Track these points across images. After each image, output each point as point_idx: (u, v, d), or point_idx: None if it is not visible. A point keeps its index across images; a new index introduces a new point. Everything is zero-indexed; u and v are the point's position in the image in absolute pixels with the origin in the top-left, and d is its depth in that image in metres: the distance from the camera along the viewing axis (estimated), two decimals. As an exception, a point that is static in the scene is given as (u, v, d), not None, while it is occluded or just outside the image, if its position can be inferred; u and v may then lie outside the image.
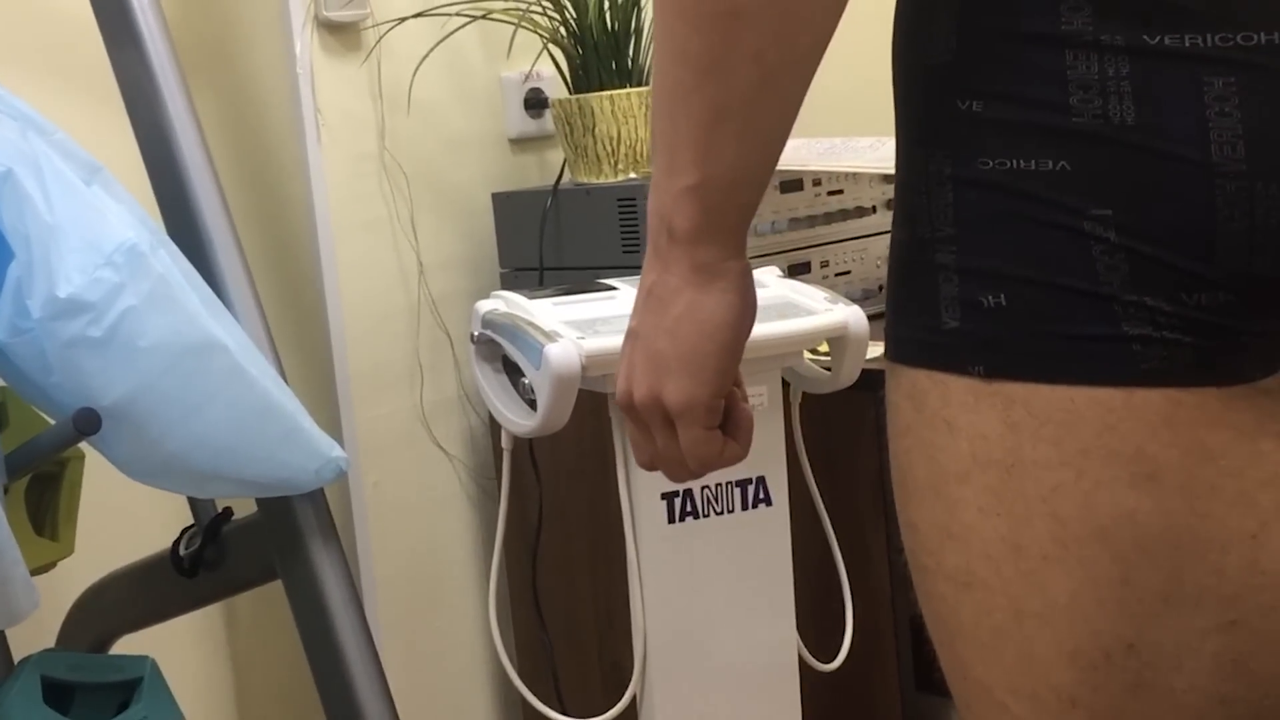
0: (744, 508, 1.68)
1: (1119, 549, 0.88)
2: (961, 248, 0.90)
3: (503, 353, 1.65)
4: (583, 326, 1.59)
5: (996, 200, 0.88)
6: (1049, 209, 0.86)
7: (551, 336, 1.56)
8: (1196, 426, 0.86)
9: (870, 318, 1.66)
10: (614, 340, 1.56)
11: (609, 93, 2.10)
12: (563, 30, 2.14)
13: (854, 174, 2.09)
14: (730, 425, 1.04)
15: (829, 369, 1.70)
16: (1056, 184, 0.86)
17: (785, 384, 1.73)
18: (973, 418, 0.90)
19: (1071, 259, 0.86)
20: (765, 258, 1.96)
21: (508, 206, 2.20)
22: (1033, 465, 0.88)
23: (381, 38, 2.15)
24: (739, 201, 0.95)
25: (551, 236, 2.11)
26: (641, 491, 1.63)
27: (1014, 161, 0.87)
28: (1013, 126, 0.87)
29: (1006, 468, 0.89)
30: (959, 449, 0.91)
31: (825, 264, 2.08)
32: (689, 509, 1.66)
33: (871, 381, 1.72)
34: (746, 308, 0.98)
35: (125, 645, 1.88)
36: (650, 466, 1.06)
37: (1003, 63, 0.87)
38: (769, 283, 1.72)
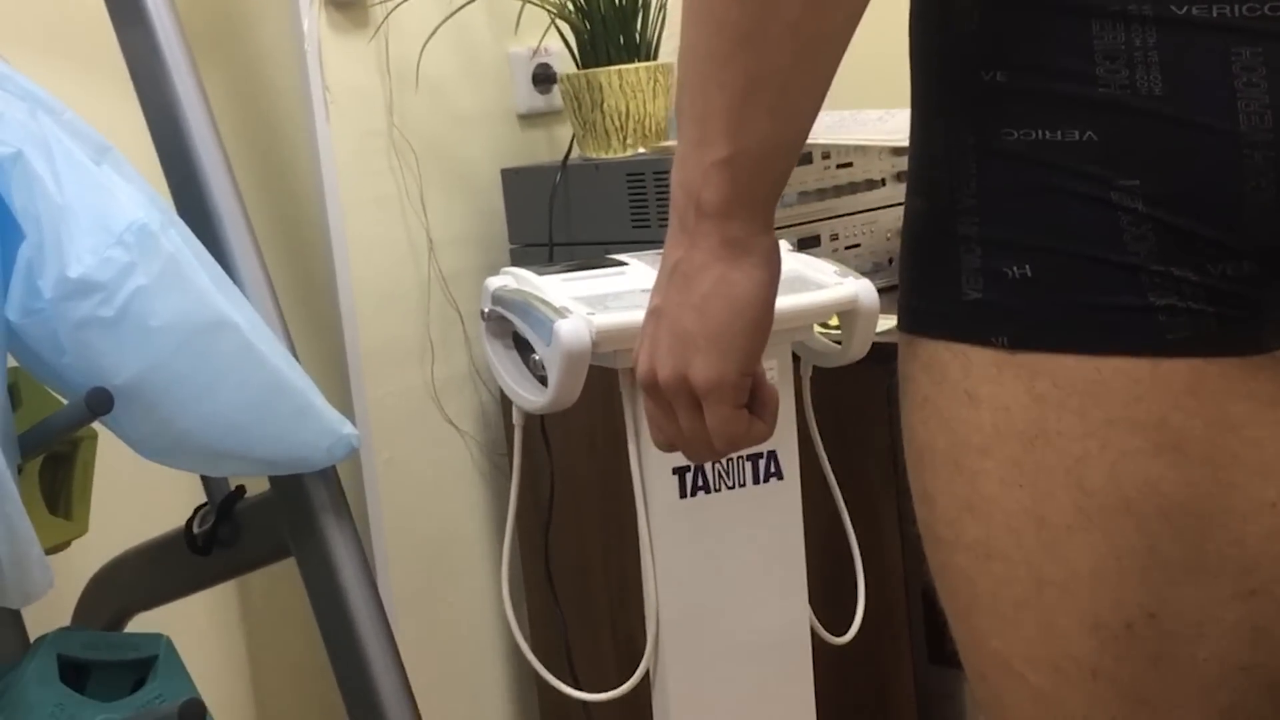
0: (755, 482, 1.68)
1: (1143, 519, 0.88)
2: (984, 218, 0.90)
3: (513, 329, 1.65)
4: (593, 302, 1.59)
5: (1021, 171, 0.88)
6: (1075, 179, 0.86)
7: (562, 312, 1.56)
8: (1220, 396, 0.86)
9: (880, 291, 1.66)
10: (624, 315, 1.56)
11: (617, 68, 2.09)
12: (570, 5, 2.13)
13: (863, 147, 2.08)
14: (755, 403, 1.02)
15: (839, 343, 1.70)
16: (1083, 154, 0.85)
17: (795, 358, 1.73)
18: (995, 389, 0.90)
19: (1098, 229, 0.86)
20: (775, 231, 1.95)
21: (517, 182, 2.20)
22: (1057, 436, 0.88)
23: (389, 14, 2.15)
24: (770, 175, 0.94)
25: (561, 212, 2.11)
26: (653, 466, 1.63)
27: (1039, 132, 0.87)
28: (1038, 96, 0.87)
29: (1030, 439, 0.89)
30: (980, 420, 0.91)
31: (835, 237, 2.08)
32: (700, 484, 1.66)
33: (882, 355, 1.72)
34: (775, 284, 0.97)
35: (140, 623, 1.88)
36: (669, 447, 1.05)
37: (1028, 33, 0.87)
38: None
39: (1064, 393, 0.88)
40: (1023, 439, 0.90)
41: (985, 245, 0.90)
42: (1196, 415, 0.86)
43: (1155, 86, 0.83)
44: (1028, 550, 0.91)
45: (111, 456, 1.67)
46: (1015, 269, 0.88)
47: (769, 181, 0.94)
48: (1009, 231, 0.89)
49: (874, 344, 1.68)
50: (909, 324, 0.97)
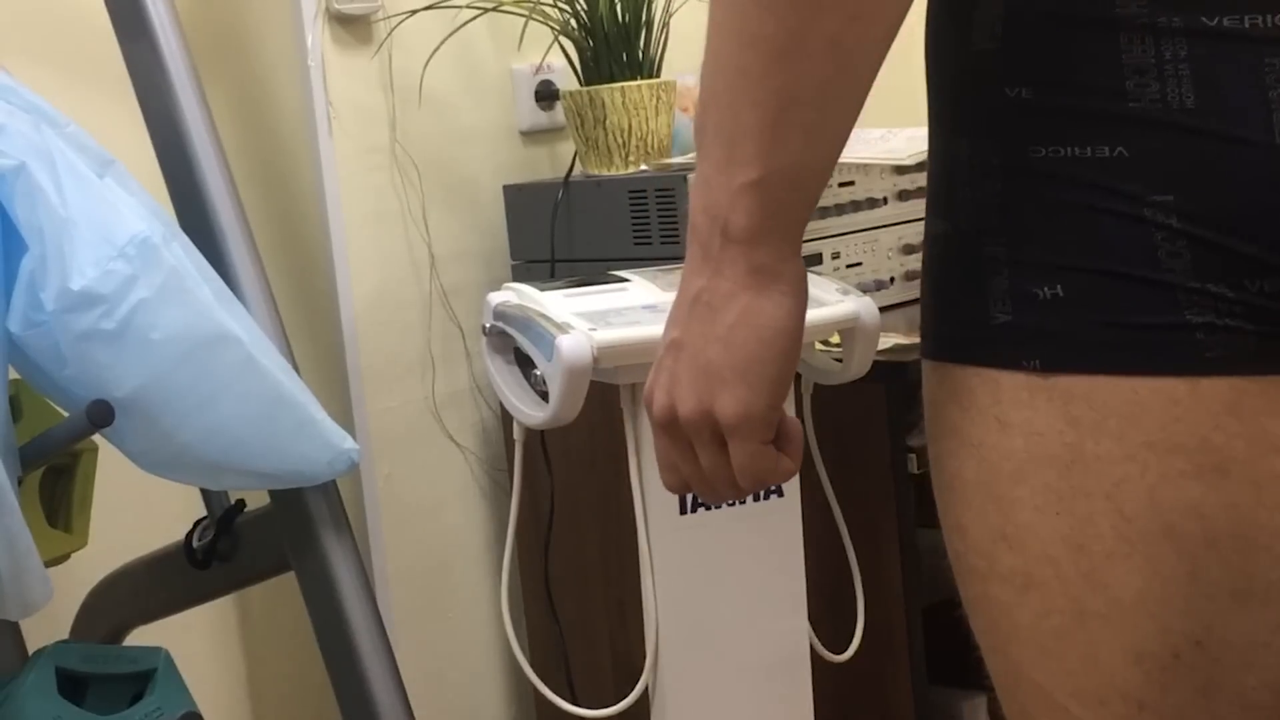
0: (755, 499, 1.68)
1: (1186, 544, 0.85)
2: (1012, 239, 0.87)
3: (514, 344, 1.66)
4: (594, 318, 1.59)
5: (1050, 189, 0.86)
6: (1107, 196, 0.84)
7: (563, 328, 1.56)
8: (1261, 415, 0.84)
9: (882, 309, 1.66)
10: (626, 332, 1.56)
11: (620, 84, 2.10)
12: (573, 22, 2.13)
13: (865, 165, 2.09)
14: (781, 439, 0.96)
15: (840, 360, 1.70)
16: (1114, 170, 0.83)
17: (797, 375, 1.73)
18: (1028, 414, 0.87)
19: (1131, 247, 0.83)
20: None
21: (519, 198, 2.20)
22: (1095, 460, 0.86)
23: (392, 30, 2.16)
24: (803, 198, 0.90)
25: (563, 228, 2.11)
26: (653, 483, 1.63)
27: (1068, 149, 0.85)
28: (1066, 113, 0.85)
29: (1066, 464, 0.87)
30: (1013, 447, 0.88)
31: (836, 255, 2.08)
32: (701, 500, 1.66)
33: (883, 373, 1.72)
34: (804, 312, 0.92)
35: (139, 637, 1.88)
36: (681, 489, 0.99)
37: (1054, 48, 0.85)
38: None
39: (1100, 415, 0.85)
40: (1058, 464, 0.87)
41: (1013, 266, 0.87)
42: (1238, 435, 0.84)
43: (1187, 100, 0.82)
44: (1067, 579, 0.88)
45: (112, 469, 1.67)
46: (1046, 290, 0.86)
47: (801, 205, 0.90)
48: (1038, 251, 0.86)
49: (875, 362, 1.68)
50: (934, 350, 0.94)
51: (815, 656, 1.74)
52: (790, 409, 1.69)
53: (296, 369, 1.65)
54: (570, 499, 2.09)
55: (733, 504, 1.67)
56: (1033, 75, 0.86)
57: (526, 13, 2.14)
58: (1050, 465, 0.87)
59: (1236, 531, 0.85)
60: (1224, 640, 0.87)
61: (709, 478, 0.97)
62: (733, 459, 0.95)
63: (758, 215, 0.88)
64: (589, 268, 1.96)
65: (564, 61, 2.20)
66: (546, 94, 2.32)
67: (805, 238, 2.01)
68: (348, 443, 1.61)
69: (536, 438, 2.02)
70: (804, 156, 0.88)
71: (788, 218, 0.90)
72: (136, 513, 1.90)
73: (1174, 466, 0.85)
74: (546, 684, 1.76)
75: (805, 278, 0.93)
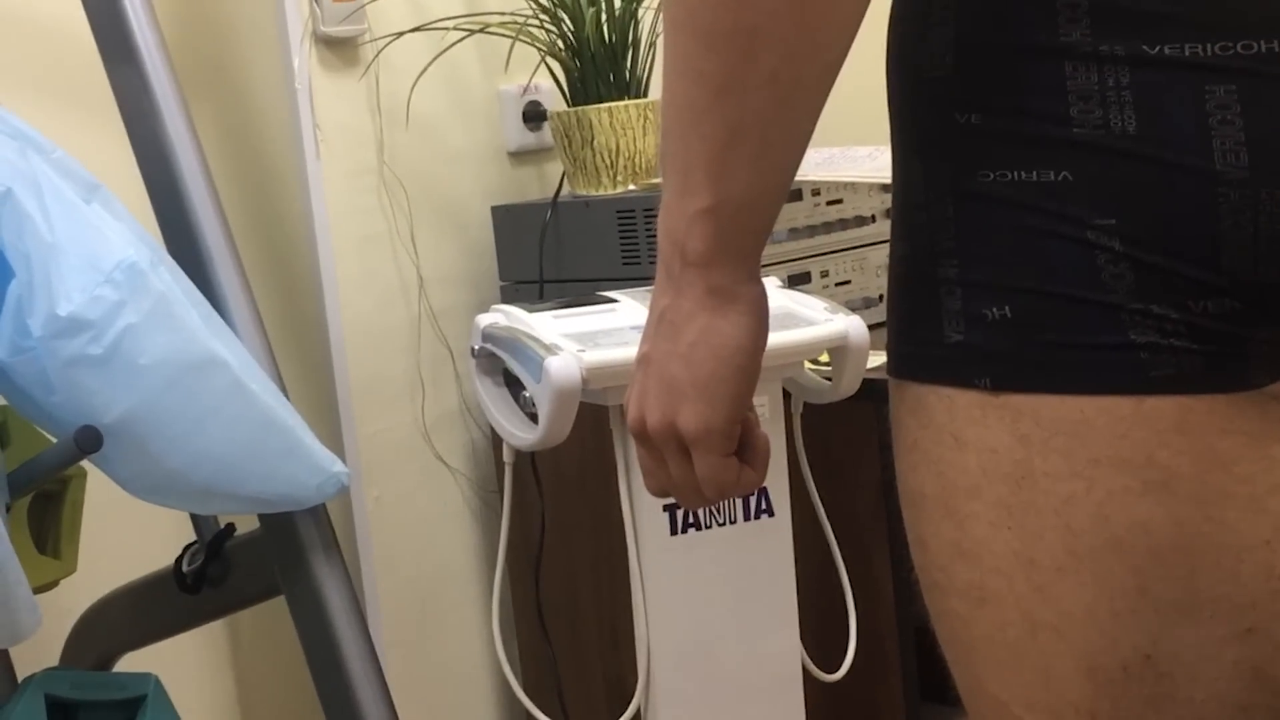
0: (746, 518, 1.68)
1: (1133, 559, 0.87)
2: (963, 260, 0.89)
3: (504, 366, 1.65)
4: (583, 339, 1.59)
5: (998, 212, 0.88)
6: (1052, 219, 0.86)
7: (552, 349, 1.56)
8: (1207, 433, 0.86)
9: (870, 327, 1.66)
10: (615, 353, 1.56)
11: (607, 105, 2.10)
12: (560, 43, 2.14)
13: (852, 183, 2.09)
14: (746, 451, 1.01)
15: (830, 379, 1.70)
16: (1059, 194, 0.85)
17: (786, 394, 1.73)
18: (980, 431, 0.90)
19: (1076, 269, 0.85)
20: (765, 268, 1.95)
21: (507, 219, 2.20)
22: (1043, 477, 0.88)
23: (379, 52, 2.16)
24: (754, 223, 0.93)
25: (551, 249, 2.11)
26: (644, 503, 1.63)
27: (1015, 173, 0.87)
28: (1013, 138, 0.87)
29: (1017, 480, 0.89)
30: (967, 463, 0.91)
31: (825, 274, 2.08)
32: (691, 520, 1.66)
33: (872, 391, 1.72)
34: (762, 331, 0.96)
35: (128, 663, 1.87)
36: (661, 494, 1.03)
37: (1002, 75, 0.87)
38: (769, 293, 1.72)
39: (1048, 433, 0.87)
40: (1009, 481, 0.89)
41: (965, 287, 0.89)
42: (1184, 453, 0.86)
43: (1129, 126, 0.83)
44: (1019, 593, 0.90)
45: (100, 495, 1.66)
46: (995, 310, 0.88)
47: (753, 230, 0.94)
48: (988, 273, 0.88)
49: (864, 380, 1.68)
50: (895, 368, 0.97)
51: (807, 675, 1.74)
52: (780, 428, 1.69)
53: (285, 392, 1.65)
54: (561, 520, 2.09)
55: (723, 523, 1.67)
56: (982, 101, 0.88)
57: (513, 34, 2.14)
58: (1002, 481, 0.89)
59: (1183, 546, 0.87)
60: (1172, 654, 0.88)
61: (678, 485, 1.01)
62: (696, 469, 0.99)
63: (711, 240, 0.92)
64: (578, 288, 1.96)
65: (551, 82, 2.21)
66: (534, 115, 2.32)
67: (794, 256, 2.04)
68: (337, 466, 1.61)
69: (526, 459, 2.01)
70: (751, 185, 0.91)
71: (741, 242, 0.93)
72: (125, 538, 1.89)
73: (1120, 483, 0.87)
74: (538, 706, 1.76)
75: (764, 298, 0.96)
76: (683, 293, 0.94)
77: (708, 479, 0.99)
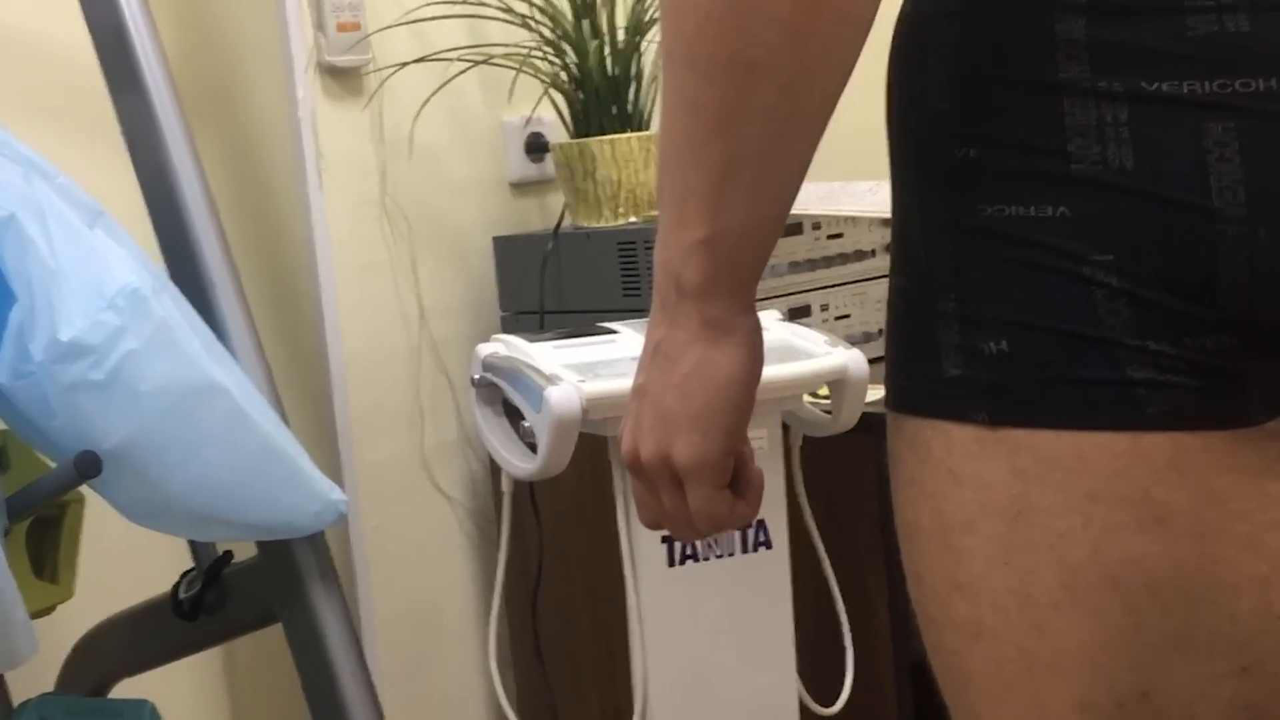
0: (744, 551, 1.68)
1: (1129, 595, 0.87)
2: (961, 295, 0.89)
3: (503, 396, 1.66)
4: (583, 370, 1.59)
5: (996, 247, 0.88)
6: (1049, 254, 0.86)
7: (552, 379, 1.56)
8: (1204, 470, 0.86)
9: (870, 361, 1.66)
10: (614, 383, 1.56)
11: (609, 137, 2.11)
12: (563, 75, 2.15)
13: (853, 218, 2.10)
14: (740, 484, 1.00)
15: (829, 412, 1.70)
16: (1056, 230, 0.85)
17: (785, 427, 1.73)
18: (977, 466, 0.89)
19: (1073, 304, 0.85)
20: (765, 301, 1.97)
21: (508, 250, 2.20)
22: (1040, 512, 0.88)
23: (383, 82, 2.17)
24: (750, 256, 0.93)
25: (552, 280, 2.11)
26: (642, 535, 1.63)
27: (1013, 208, 0.87)
28: (1011, 173, 0.87)
29: (1013, 515, 0.88)
30: (964, 498, 0.90)
31: (825, 307, 2.09)
32: (689, 552, 1.66)
33: (872, 425, 1.72)
34: (756, 364, 0.96)
35: (125, 689, 1.87)
36: (655, 525, 1.03)
37: (1000, 110, 0.87)
38: (769, 326, 1.72)
39: (1044, 468, 0.87)
40: (1006, 516, 0.89)
41: (962, 322, 0.89)
42: (1180, 489, 0.86)
43: (1127, 162, 0.83)
44: (1015, 629, 0.90)
45: (98, 521, 1.66)
46: (992, 345, 0.88)
47: (748, 262, 0.93)
48: (985, 307, 0.88)
49: (864, 414, 1.68)
50: (893, 402, 0.97)
51: (804, 709, 1.74)
52: (779, 461, 1.69)
53: (285, 420, 1.65)
54: (558, 550, 2.08)
55: (721, 555, 1.67)
56: (980, 136, 0.88)
57: (517, 66, 2.15)
58: (999, 516, 0.89)
59: (1179, 584, 0.87)
60: (1168, 691, 0.88)
61: (671, 517, 1.00)
62: (689, 501, 0.98)
63: (707, 271, 0.92)
64: (578, 319, 1.96)
65: (554, 114, 2.21)
66: (536, 146, 2.33)
67: (795, 290, 2.04)
68: (336, 494, 1.61)
69: (525, 489, 2.01)
70: (748, 217, 0.91)
71: (737, 274, 0.93)
72: (123, 564, 1.89)
73: (1116, 519, 0.86)
74: (534, 737, 1.75)
75: (758, 330, 0.96)
76: (678, 324, 0.94)
77: (701, 511, 0.99)
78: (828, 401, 1.70)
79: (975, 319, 0.89)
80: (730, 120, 0.87)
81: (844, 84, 0.88)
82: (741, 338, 0.94)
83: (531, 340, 1.68)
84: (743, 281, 0.94)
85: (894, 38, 0.95)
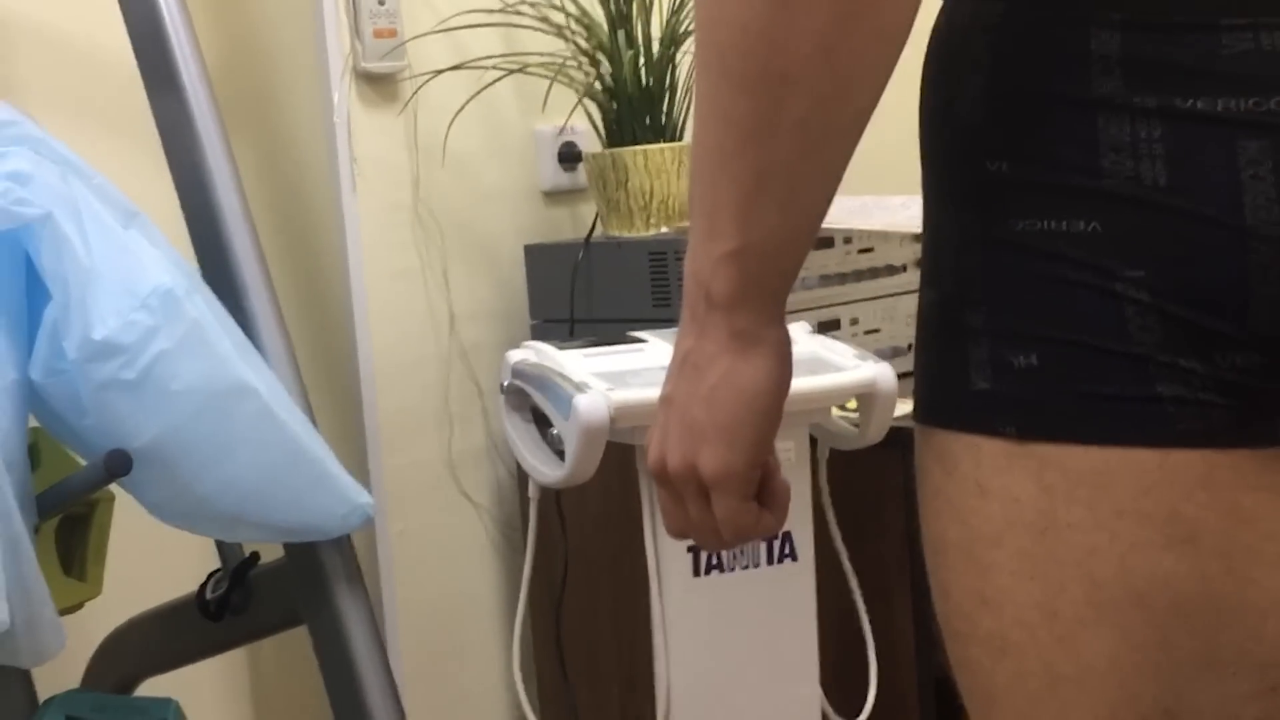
0: (769, 563, 1.68)
1: (1156, 613, 0.87)
2: (991, 308, 0.89)
3: (532, 403, 1.66)
4: (612, 378, 1.59)
5: (1027, 261, 0.88)
6: (1081, 270, 0.86)
7: (581, 387, 1.56)
8: (1233, 489, 0.86)
9: (899, 375, 1.66)
10: (643, 392, 1.56)
11: (642, 147, 2.11)
12: (598, 85, 2.15)
13: (885, 232, 2.09)
14: (766, 495, 1.01)
15: (857, 426, 1.70)
16: (1088, 245, 0.85)
17: (813, 440, 1.73)
18: (1005, 480, 0.89)
19: (1104, 320, 0.85)
20: (795, 313, 1.96)
21: (540, 258, 2.21)
22: (1067, 528, 0.87)
23: (419, 89, 2.17)
24: (780, 268, 0.93)
25: (582, 289, 2.12)
26: (667, 544, 1.63)
27: (1045, 222, 0.87)
28: (1044, 188, 0.87)
29: (1040, 530, 0.88)
30: (991, 512, 0.90)
31: (855, 321, 2.09)
32: (714, 562, 1.66)
33: (899, 439, 1.72)
34: (785, 376, 0.96)
35: (150, 687, 1.88)
36: (681, 535, 1.03)
37: (1033, 125, 0.87)
38: (798, 338, 1.72)
39: (1072, 484, 0.87)
40: (1033, 530, 0.89)
41: (992, 335, 0.89)
42: (1209, 507, 0.85)
43: (1160, 178, 0.83)
44: (1041, 644, 0.90)
45: (127, 520, 1.67)
46: (1022, 359, 0.88)
47: (778, 274, 0.93)
48: (1015, 321, 0.88)
49: (891, 428, 1.68)
50: (922, 415, 0.97)
51: (826, 723, 1.73)
52: (806, 473, 1.69)
53: (314, 422, 1.66)
54: (584, 559, 2.08)
55: (746, 567, 1.67)
56: (1013, 150, 0.88)
57: (552, 75, 2.15)
58: (1025, 531, 0.89)
59: (1206, 602, 0.87)
60: (1194, 710, 0.88)
61: (697, 527, 1.01)
62: (715, 512, 0.99)
63: (736, 283, 0.92)
64: (608, 328, 1.97)
65: (587, 124, 2.22)
66: (569, 155, 2.34)
67: (824, 303, 2.04)
68: (363, 497, 1.61)
69: (551, 496, 2.02)
70: (778, 229, 0.91)
71: (766, 286, 0.93)
72: (151, 563, 1.90)
73: (1144, 536, 0.86)
74: (556, 744, 1.75)
75: (787, 342, 0.96)
76: (706, 335, 0.94)
77: (726, 521, 0.99)
78: (856, 415, 1.70)
79: (1005, 333, 0.89)
80: (762, 132, 0.87)
81: (877, 99, 0.88)
82: (770, 349, 0.94)
83: (561, 348, 1.69)
84: (772, 293, 0.94)
85: (928, 51, 0.95)
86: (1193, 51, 0.83)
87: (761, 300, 0.93)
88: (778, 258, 0.93)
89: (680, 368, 0.97)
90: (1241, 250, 0.82)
